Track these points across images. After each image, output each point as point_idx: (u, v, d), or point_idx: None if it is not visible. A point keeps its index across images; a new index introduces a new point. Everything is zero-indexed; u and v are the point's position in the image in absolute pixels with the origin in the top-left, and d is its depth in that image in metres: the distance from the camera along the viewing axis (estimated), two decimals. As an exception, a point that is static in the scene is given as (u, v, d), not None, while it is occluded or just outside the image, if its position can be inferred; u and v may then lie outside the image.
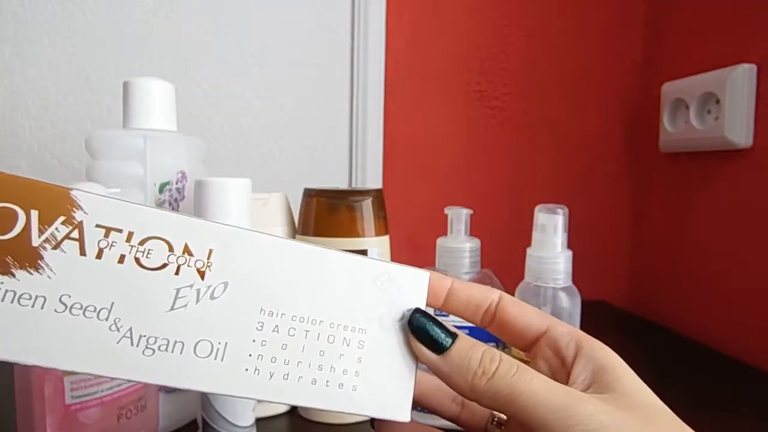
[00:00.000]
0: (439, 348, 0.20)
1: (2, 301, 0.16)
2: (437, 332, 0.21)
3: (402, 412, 0.20)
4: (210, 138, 0.75)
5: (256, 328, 0.18)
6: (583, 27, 0.85)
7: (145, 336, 0.17)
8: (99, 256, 0.17)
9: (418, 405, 0.24)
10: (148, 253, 0.18)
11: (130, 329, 0.17)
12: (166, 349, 0.17)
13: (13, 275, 0.16)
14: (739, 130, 0.65)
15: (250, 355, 0.18)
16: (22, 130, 0.71)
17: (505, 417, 0.26)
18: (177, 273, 0.18)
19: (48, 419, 0.32)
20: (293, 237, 0.50)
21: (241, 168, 0.78)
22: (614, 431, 0.18)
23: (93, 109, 0.72)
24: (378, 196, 0.48)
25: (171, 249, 0.18)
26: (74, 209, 0.17)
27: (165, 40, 0.74)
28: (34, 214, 0.17)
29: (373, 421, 0.25)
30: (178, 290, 0.18)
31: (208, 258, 0.18)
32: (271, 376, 0.18)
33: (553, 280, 0.41)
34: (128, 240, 0.17)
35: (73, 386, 0.32)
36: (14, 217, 0.16)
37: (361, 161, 0.81)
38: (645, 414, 0.19)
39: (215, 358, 0.18)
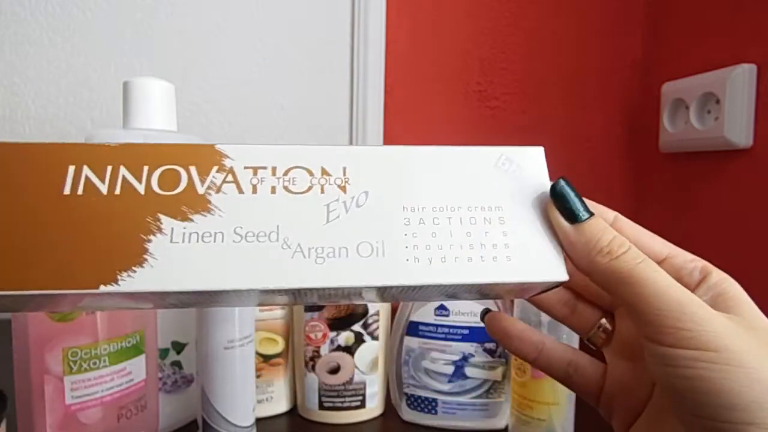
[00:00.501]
0: (574, 218, 0.21)
1: (189, 242, 0.19)
2: (576, 203, 0.21)
3: (559, 273, 0.21)
4: (210, 138, 0.75)
5: (404, 224, 0.20)
6: (582, 27, 0.85)
7: (313, 248, 0.19)
8: (254, 191, 0.20)
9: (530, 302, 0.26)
10: (293, 180, 0.20)
11: (299, 245, 0.19)
12: (334, 255, 0.19)
13: (192, 220, 0.19)
14: (739, 130, 0.65)
15: (406, 247, 0.20)
16: (22, 130, 0.71)
17: (609, 327, 0.26)
18: (323, 192, 0.20)
19: (48, 419, 0.32)
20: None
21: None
22: (727, 339, 0.18)
23: (93, 109, 0.72)
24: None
25: (311, 173, 0.20)
26: (223, 159, 0.20)
27: (165, 40, 0.74)
28: (193, 169, 0.20)
29: (483, 314, 0.27)
30: (328, 205, 0.20)
31: (344, 174, 0.21)
32: (430, 262, 0.20)
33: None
34: (273, 173, 0.20)
35: (73, 386, 0.32)
36: (178, 175, 0.19)
37: (361, 161, 0.80)
38: (762, 336, 0.19)
39: (377, 255, 0.20)
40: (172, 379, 0.45)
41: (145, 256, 0.18)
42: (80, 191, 0.19)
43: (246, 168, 0.20)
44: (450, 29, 0.82)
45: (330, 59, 0.80)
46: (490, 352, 0.47)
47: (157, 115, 0.44)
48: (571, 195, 0.21)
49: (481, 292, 0.22)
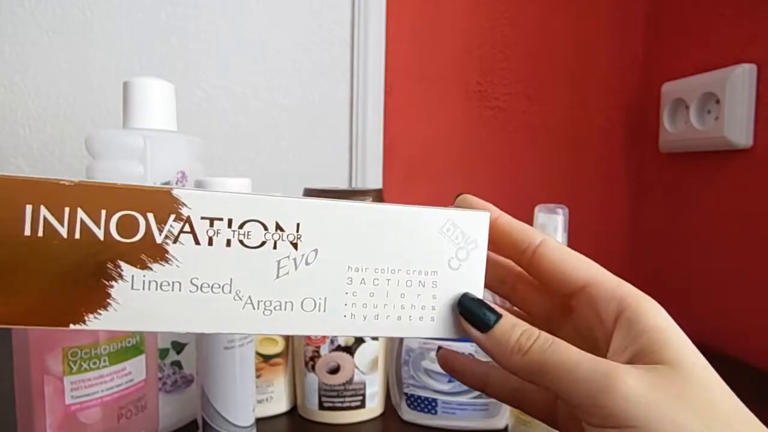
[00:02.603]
0: (483, 327, 0.22)
1: (149, 289, 0.20)
2: (482, 313, 0.22)
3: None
4: (210, 138, 0.75)
5: (347, 283, 0.22)
6: (583, 27, 0.85)
7: (262, 301, 0.21)
8: (210, 243, 0.21)
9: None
10: (248, 234, 0.21)
11: (249, 297, 0.21)
12: (280, 308, 0.21)
13: (150, 269, 0.20)
14: (739, 130, 0.65)
15: (345, 305, 0.22)
16: (22, 130, 0.71)
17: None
18: (275, 248, 0.21)
19: (48, 419, 0.32)
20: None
21: (241, 168, 0.78)
22: (643, 411, 0.17)
23: (93, 109, 0.72)
24: (378, 196, 0.48)
25: (265, 228, 0.21)
26: (179, 206, 0.21)
27: (165, 40, 0.74)
28: (151, 216, 0.20)
29: (437, 351, 0.29)
30: (279, 261, 0.21)
31: (297, 231, 0.21)
32: (364, 318, 0.22)
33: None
34: (229, 226, 0.21)
35: (73, 386, 0.32)
36: (136, 222, 0.20)
37: (361, 161, 0.81)
38: (693, 389, 0.18)
39: (319, 311, 0.22)
40: (172, 379, 0.45)
41: (109, 300, 0.20)
42: (40, 233, 0.19)
43: (203, 218, 0.21)
44: (450, 29, 0.82)
45: (330, 59, 0.80)
46: (490, 352, 0.47)
47: (157, 115, 0.44)
48: (475, 308, 0.22)
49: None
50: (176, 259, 0.20)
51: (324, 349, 0.48)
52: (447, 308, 0.23)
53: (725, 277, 0.69)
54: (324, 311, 0.22)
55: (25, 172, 0.71)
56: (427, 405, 0.48)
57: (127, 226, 0.20)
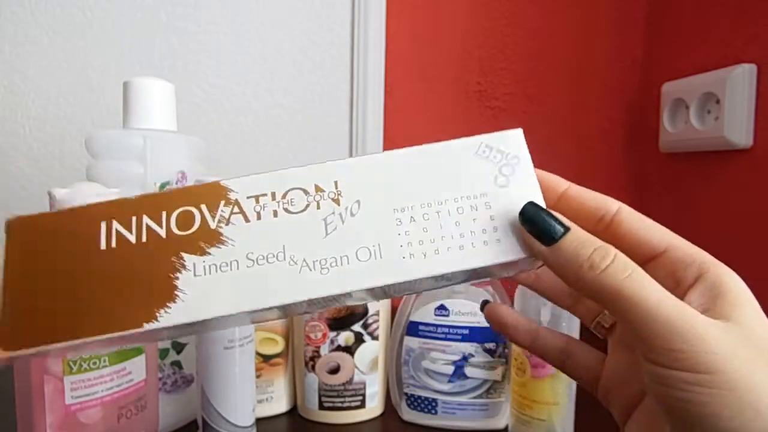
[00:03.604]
0: (548, 239, 0.20)
1: (210, 273, 0.21)
2: (546, 224, 0.21)
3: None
4: (210, 138, 0.75)
5: (396, 224, 0.22)
6: (583, 27, 0.85)
7: (317, 260, 0.21)
8: (259, 217, 0.22)
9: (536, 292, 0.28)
10: (291, 202, 0.22)
11: (304, 260, 0.21)
12: (336, 264, 0.21)
13: (209, 253, 0.21)
14: (739, 130, 0.65)
15: (401, 246, 0.21)
16: (22, 130, 0.71)
17: (608, 322, 0.26)
18: (318, 207, 0.22)
19: (48, 419, 0.32)
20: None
21: (241, 168, 0.78)
22: (720, 360, 0.17)
23: (93, 109, 0.72)
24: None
25: (306, 192, 0.22)
26: (228, 192, 0.22)
27: (165, 40, 0.74)
28: (204, 207, 0.22)
29: (483, 305, 0.28)
30: (324, 219, 0.22)
31: (336, 188, 0.22)
32: (425, 256, 0.21)
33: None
34: (273, 198, 0.22)
35: (73, 386, 0.32)
36: (192, 215, 0.22)
37: (361, 161, 0.80)
38: (760, 347, 0.18)
39: (376, 258, 0.21)
40: (172, 379, 0.45)
41: (176, 292, 0.21)
42: (114, 244, 0.21)
43: (249, 197, 0.22)
44: (450, 29, 0.82)
45: (330, 59, 0.80)
46: (490, 352, 0.47)
47: (157, 115, 0.44)
48: (540, 217, 0.21)
49: (475, 275, 0.23)
50: (230, 240, 0.21)
51: (324, 349, 0.48)
52: (509, 226, 0.22)
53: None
54: (381, 257, 0.21)
55: (26, 172, 0.71)
56: (427, 405, 0.48)
57: (185, 220, 0.22)
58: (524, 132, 0.24)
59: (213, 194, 0.22)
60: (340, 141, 0.81)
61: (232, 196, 0.22)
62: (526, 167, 0.22)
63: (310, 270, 0.21)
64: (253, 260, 0.21)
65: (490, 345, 0.46)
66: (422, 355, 0.48)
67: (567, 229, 0.20)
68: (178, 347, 0.45)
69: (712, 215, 0.72)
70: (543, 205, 0.22)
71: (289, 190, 0.22)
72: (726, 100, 0.65)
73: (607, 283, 0.19)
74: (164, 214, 0.22)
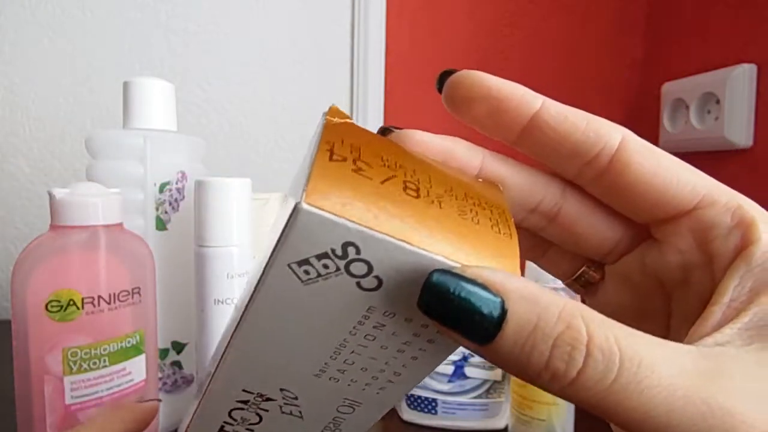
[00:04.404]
0: (475, 338, 0.12)
1: None
2: (470, 308, 0.11)
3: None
4: (210, 138, 0.75)
5: (333, 382, 0.17)
6: (583, 27, 0.85)
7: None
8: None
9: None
10: (243, 420, 0.18)
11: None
12: (338, 423, 0.18)
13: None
14: (739, 130, 0.65)
15: (363, 389, 0.17)
16: (22, 130, 0.71)
17: (594, 277, 0.18)
18: (267, 411, 0.18)
19: (48, 419, 0.32)
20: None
21: (241, 168, 0.78)
22: None
23: (93, 109, 0.72)
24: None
25: (242, 409, 0.18)
26: None
27: (165, 40, 0.74)
28: None
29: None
30: (284, 413, 0.18)
31: (252, 393, 0.17)
32: (392, 382, 0.17)
33: (553, 280, 0.41)
34: (231, 424, 0.19)
35: (73, 386, 0.32)
36: None
37: (361, 161, 0.81)
38: None
39: (359, 406, 0.18)
40: (172, 379, 0.45)
41: None
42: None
43: None
44: (450, 29, 0.82)
45: (330, 59, 0.80)
46: (490, 352, 0.47)
47: (157, 115, 0.44)
48: (451, 298, 0.11)
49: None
50: None
51: (324, 349, 0.48)
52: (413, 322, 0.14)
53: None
54: (361, 404, 0.17)
55: (26, 172, 0.71)
56: (427, 405, 0.48)
57: None
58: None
59: None
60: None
61: None
62: (371, 242, 0.12)
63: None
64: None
65: (490, 345, 0.46)
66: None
67: (502, 310, 0.11)
68: (178, 347, 0.45)
69: (712, 215, 0.72)
70: (447, 266, 0.12)
71: (230, 413, 0.18)
72: (726, 100, 0.65)
73: (584, 397, 0.11)
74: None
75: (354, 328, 0.14)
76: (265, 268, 0.13)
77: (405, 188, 0.14)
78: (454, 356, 0.47)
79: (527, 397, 0.43)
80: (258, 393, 0.17)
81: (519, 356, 0.11)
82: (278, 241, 0.13)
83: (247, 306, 0.15)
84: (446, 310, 0.12)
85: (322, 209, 0.12)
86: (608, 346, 0.11)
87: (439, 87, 0.17)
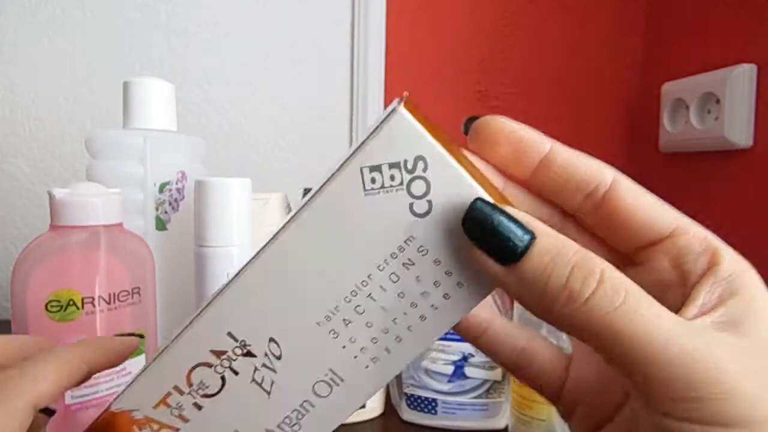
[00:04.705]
0: (505, 255, 0.14)
1: None
2: (500, 230, 0.14)
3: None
4: (210, 138, 0.75)
5: (333, 338, 0.16)
6: (583, 27, 0.85)
7: (279, 424, 0.18)
8: (185, 419, 0.18)
9: None
10: (203, 385, 0.18)
11: (266, 430, 0.18)
12: (302, 415, 0.17)
13: None
14: (739, 130, 0.65)
15: (355, 357, 0.17)
16: (22, 130, 0.71)
17: None
18: (237, 373, 0.17)
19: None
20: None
21: (241, 168, 0.78)
22: (752, 408, 0.13)
23: (93, 109, 0.72)
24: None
25: (209, 365, 0.17)
26: (132, 415, 0.18)
27: (165, 40, 0.74)
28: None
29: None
30: (254, 379, 0.17)
31: (236, 340, 0.17)
32: (389, 351, 0.17)
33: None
34: (180, 393, 0.18)
35: (73, 386, 0.32)
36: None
37: (361, 161, 0.81)
38: None
39: (337, 384, 0.17)
40: (172, 379, 0.45)
41: None
42: None
43: (156, 407, 0.18)
44: (450, 29, 0.82)
45: (330, 59, 0.80)
46: (490, 352, 0.46)
47: (157, 115, 0.44)
48: (486, 221, 0.14)
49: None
50: None
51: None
52: (458, 262, 0.15)
53: (725, 277, 0.69)
54: (342, 381, 0.17)
55: (26, 172, 0.71)
56: (427, 405, 0.48)
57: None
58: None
59: (119, 427, 0.19)
60: (340, 141, 0.81)
61: (137, 415, 0.18)
62: (439, 163, 0.15)
63: None
64: None
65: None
66: (422, 355, 0.48)
67: (531, 236, 0.14)
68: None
69: (712, 215, 0.72)
70: (489, 199, 0.15)
71: (189, 374, 0.17)
72: (726, 100, 0.65)
73: (593, 319, 0.14)
74: None
75: (389, 257, 0.15)
76: (333, 174, 0.15)
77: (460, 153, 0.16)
78: (455, 356, 0.47)
79: (527, 397, 0.43)
80: (242, 342, 0.17)
81: (540, 276, 0.14)
82: (359, 146, 0.15)
83: (293, 216, 0.16)
84: (483, 230, 0.14)
85: (416, 119, 0.14)
86: (618, 278, 0.14)
87: (465, 131, 0.19)
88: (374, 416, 0.50)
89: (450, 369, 0.47)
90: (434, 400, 0.48)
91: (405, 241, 0.15)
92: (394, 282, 0.16)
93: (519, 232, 0.14)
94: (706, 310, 0.15)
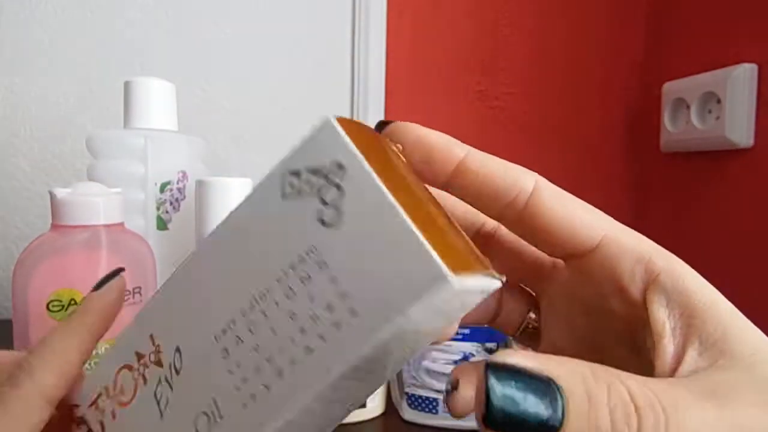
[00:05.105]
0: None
1: None
2: (531, 413, 0.11)
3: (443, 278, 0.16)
4: (210, 138, 0.75)
5: (222, 357, 0.15)
6: (583, 27, 0.85)
7: None
8: (102, 428, 0.18)
9: None
10: (122, 390, 0.17)
11: None
12: None
13: None
14: (739, 130, 0.65)
15: (237, 389, 0.14)
16: (22, 130, 0.71)
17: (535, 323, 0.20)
18: (145, 382, 0.16)
19: (49, 419, 0.31)
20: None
21: (242, 168, 0.78)
22: None
23: (93, 109, 0.72)
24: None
25: (131, 368, 0.17)
26: (78, 407, 0.18)
27: (165, 40, 0.74)
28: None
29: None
30: (155, 394, 0.16)
31: (154, 344, 0.16)
32: (268, 389, 0.14)
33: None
34: (108, 395, 0.17)
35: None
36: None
37: (361, 161, 0.81)
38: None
39: (216, 420, 0.15)
40: (172, 379, 0.45)
41: None
42: None
43: (90, 406, 0.18)
44: (450, 29, 0.82)
45: (330, 60, 0.80)
46: (491, 352, 0.46)
47: (158, 115, 0.44)
48: (516, 403, 0.11)
49: (366, 367, 0.14)
50: None
51: (325, 349, 0.48)
52: (360, 287, 0.13)
53: (726, 276, 0.69)
54: (222, 419, 0.14)
55: (26, 172, 0.71)
56: (428, 405, 0.48)
57: None
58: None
59: (65, 422, 0.19)
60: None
61: (79, 412, 0.18)
62: (359, 172, 0.13)
63: None
64: None
65: (491, 345, 0.46)
66: (423, 355, 0.48)
67: (562, 410, 0.11)
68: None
69: (712, 215, 0.72)
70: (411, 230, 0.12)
71: (117, 374, 0.17)
72: (727, 100, 0.65)
73: None
74: None
75: (287, 268, 0.14)
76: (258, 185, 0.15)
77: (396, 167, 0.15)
78: (456, 356, 0.47)
79: (528, 397, 0.43)
80: (157, 347, 0.16)
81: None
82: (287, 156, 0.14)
83: (221, 223, 0.15)
84: (514, 423, 0.11)
85: (345, 129, 0.14)
86: (649, 400, 0.12)
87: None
88: (375, 416, 0.50)
89: (451, 369, 0.47)
90: (435, 399, 0.48)
91: (306, 252, 0.13)
92: (289, 298, 0.14)
93: (546, 405, 0.11)
94: (681, 341, 0.14)
